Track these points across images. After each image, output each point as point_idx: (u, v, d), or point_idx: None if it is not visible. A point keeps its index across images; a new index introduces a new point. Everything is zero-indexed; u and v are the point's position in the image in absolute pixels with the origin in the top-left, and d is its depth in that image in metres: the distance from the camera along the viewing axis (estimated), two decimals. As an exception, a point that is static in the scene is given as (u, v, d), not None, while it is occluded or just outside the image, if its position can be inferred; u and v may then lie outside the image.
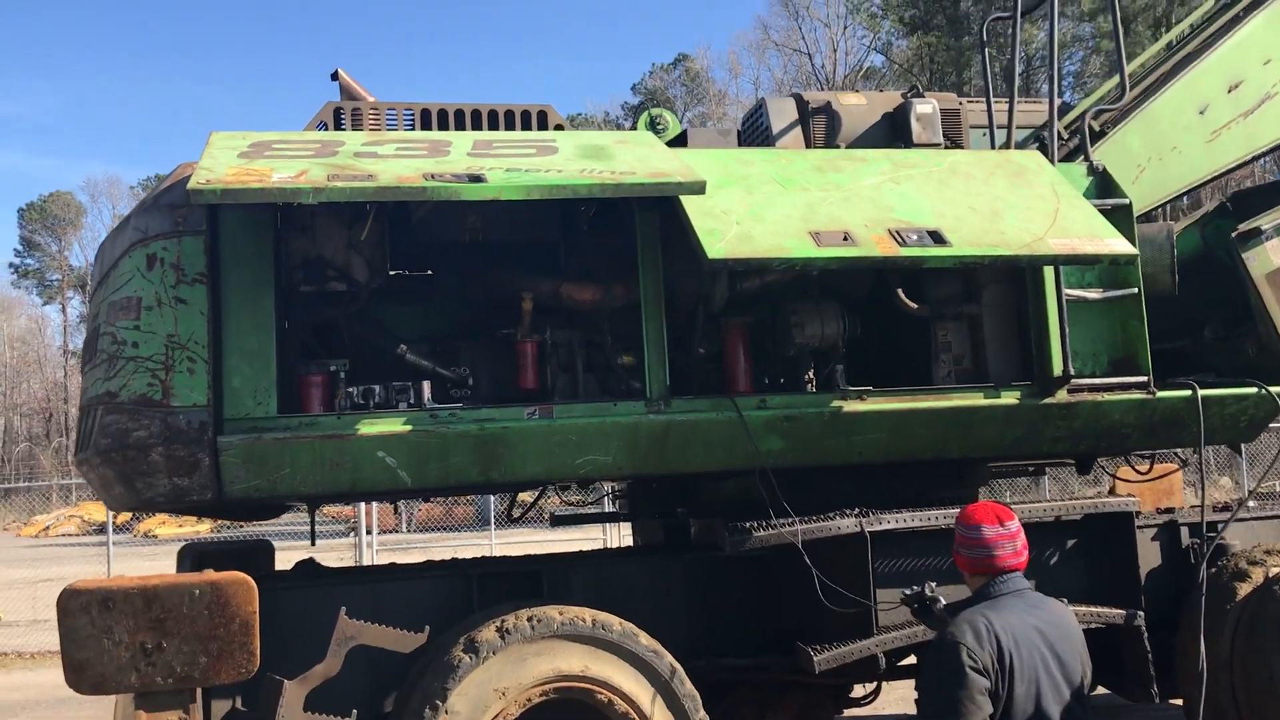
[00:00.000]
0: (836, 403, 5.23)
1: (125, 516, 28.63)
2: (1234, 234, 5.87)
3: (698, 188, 4.40)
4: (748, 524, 5.19)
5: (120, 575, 4.36)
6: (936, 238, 4.69)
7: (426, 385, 5.03)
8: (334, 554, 18.33)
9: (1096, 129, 5.99)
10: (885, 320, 5.78)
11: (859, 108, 6.08)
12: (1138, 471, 7.08)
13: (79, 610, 4.01)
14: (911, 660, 5.87)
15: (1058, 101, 5.97)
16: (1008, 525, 3.81)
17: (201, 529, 30.45)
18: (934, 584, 4.41)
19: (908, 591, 4.50)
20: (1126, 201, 5.56)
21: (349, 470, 4.84)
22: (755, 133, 6.14)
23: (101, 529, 30.39)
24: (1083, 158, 5.81)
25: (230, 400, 4.71)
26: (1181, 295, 5.92)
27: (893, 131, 6.01)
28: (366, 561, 18.12)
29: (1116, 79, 6.10)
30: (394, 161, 4.45)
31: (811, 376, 5.52)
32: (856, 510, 5.32)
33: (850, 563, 5.26)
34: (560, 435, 4.99)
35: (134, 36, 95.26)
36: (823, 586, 5.08)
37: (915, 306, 5.55)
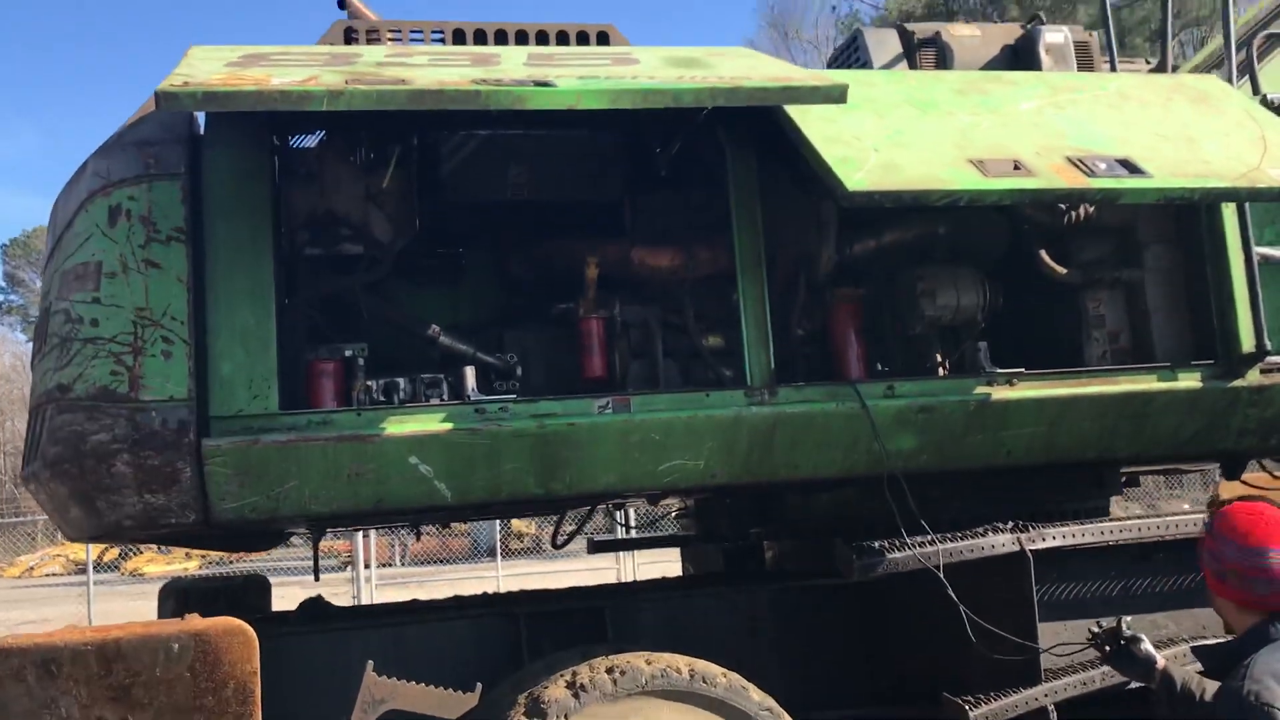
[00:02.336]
0: (982, 389, 4.15)
1: (112, 553, 27.34)
2: None
3: (837, 93, 3.34)
4: (875, 544, 4.11)
5: (72, 626, 3.26)
6: (1130, 167, 3.65)
7: (470, 371, 3.94)
8: (328, 589, 17.09)
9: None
10: (1019, 290, 4.72)
11: (972, 40, 5.05)
12: (1276, 477, 6.00)
13: (10, 677, 2.89)
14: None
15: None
16: None
17: (190, 566, 29.16)
18: (1129, 619, 3.38)
19: (1096, 628, 3.48)
20: (1318, 139, 4.52)
21: (373, 483, 3.74)
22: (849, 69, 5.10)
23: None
24: (1250, 88, 4.78)
25: (219, 392, 3.62)
26: None
27: (1015, 65, 4.98)
28: (367, 598, 16.93)
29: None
30: (431, 70, 3.39)
31: (942, 359, 4.46)
32: (1011, 524, 4.24)
33: (1002, 591, 4.19)
34: (640, 434, 3.90)
35: (118, 72, 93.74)
36: (972, 621, 4.00)
37: (1063, 272, 4.51)
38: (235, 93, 2.94)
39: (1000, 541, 4.15)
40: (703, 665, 3.83)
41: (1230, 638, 2.95)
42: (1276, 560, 2.71)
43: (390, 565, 26.43)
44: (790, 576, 4.92)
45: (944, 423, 4.13)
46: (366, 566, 17.55)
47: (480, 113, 3.64)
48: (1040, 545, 4.16)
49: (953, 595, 3.96)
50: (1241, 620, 2.84)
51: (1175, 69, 5.53)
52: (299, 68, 3.32)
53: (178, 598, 5.13)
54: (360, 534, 16.42)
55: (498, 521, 19.93)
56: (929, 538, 4.10)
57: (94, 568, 17.83)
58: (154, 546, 31.80)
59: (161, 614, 5.04)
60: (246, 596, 5.22)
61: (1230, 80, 4.57)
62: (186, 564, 29.34)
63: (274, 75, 3.14)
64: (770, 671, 4.48)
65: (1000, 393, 4.16)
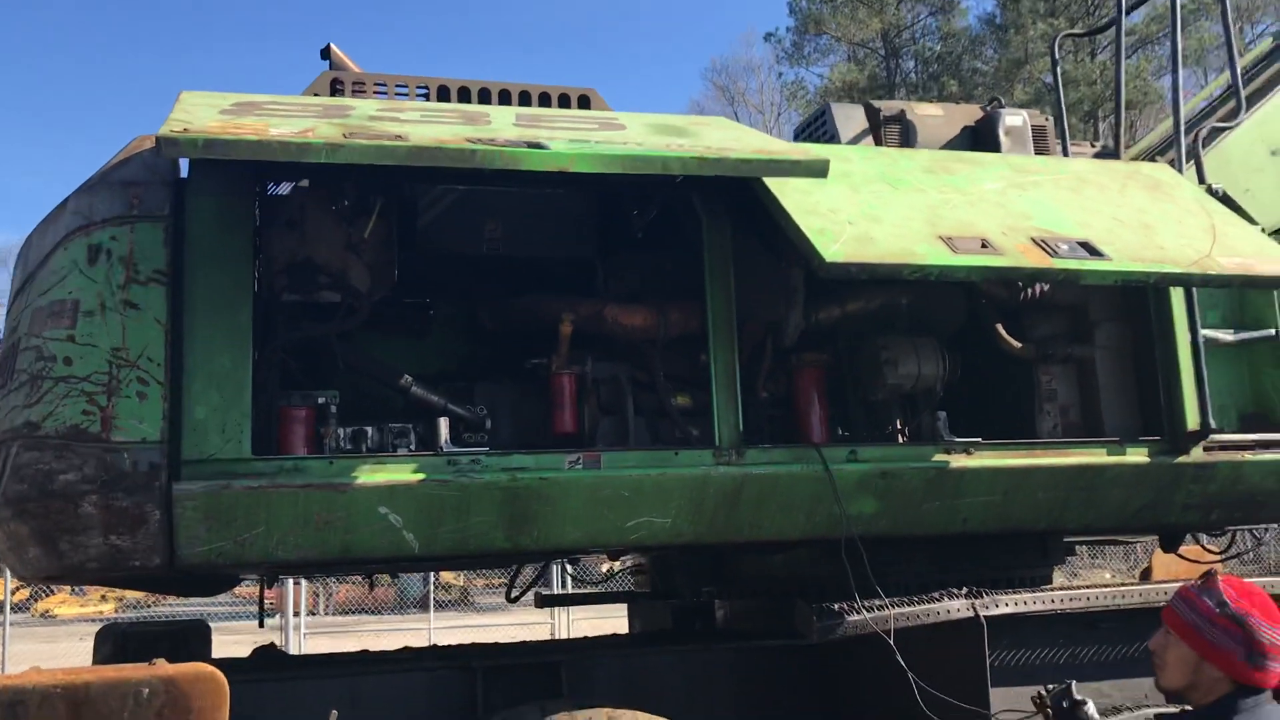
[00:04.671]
0: (941, 456, 4.27)
1: (23, 594, 26.41)
2: None
3: (819, 168, 3.47)
4: (836, 606, 4.18)
5: (37, 668, 3.20)
6: (1090, 249, 3.81)
7: (444, 423, 3.97)
8: (250, 636, 16.76)
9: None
10: (974, 362, 4.87)
11: (935, 119, 5.25)
12: (1209, 550, 6.20)
13: (-27, 720, 2.83)
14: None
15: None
16: None
17: (105, 609, 28.20)
18: (1075, 682, 3.48)
19: (1045, 690, 3.57)
20: (1259, 227, 4.75)
21: (341, 531, 3.74)
22: (816, 143, 5.26)
23: (-6, 608, 28.08)
24: (1197, 179, 5.02)
25: (191, 436, 3.60)
26: None
27: (975, 145, 5.18)
28: (294, 647, 16.60)
29: (1227, 90, 5.36)
30: (423, 126, 3.46)
31: (900, 426, 4.58)
32: (965, 590, 4.34)
33: (956, 656, 4.27)
34: (610, 490, 3.95)
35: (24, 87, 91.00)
36: (922, 687, 4.07)
37: (1019, 346, 4.67)
38: (236, 141, 2.98)
39: (955, 607, 4.24)
40: (663, 723, 3.86)
41: (1186, 708, 3.02)
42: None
43: (315, 614, 25.92)
44: (747, 636, 4.96)
45: (903, 489, 4.24)
46: (296, 614, 17.24)
47: (465, 169, 3.70)
48: (994, 611, 4.26)
49: (901, 662, 4.03)
50: (1213, 688, 2.86)
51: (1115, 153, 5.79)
52: (294, 118, 3.36)
53: (115, 642, 5.00)
54: (291, 581, 16.14)
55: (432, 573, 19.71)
56: (888, 601, 4.18)
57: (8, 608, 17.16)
58: (67, 588, 30.85)
59: (97, 658, 4.91)
60: (188, 643, 5.12)
61: (1179, 168, 4.80)
62: (101, 606, 28.39)
63: (270, 125, 3.18)
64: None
65: (958, 461, 4.28)
